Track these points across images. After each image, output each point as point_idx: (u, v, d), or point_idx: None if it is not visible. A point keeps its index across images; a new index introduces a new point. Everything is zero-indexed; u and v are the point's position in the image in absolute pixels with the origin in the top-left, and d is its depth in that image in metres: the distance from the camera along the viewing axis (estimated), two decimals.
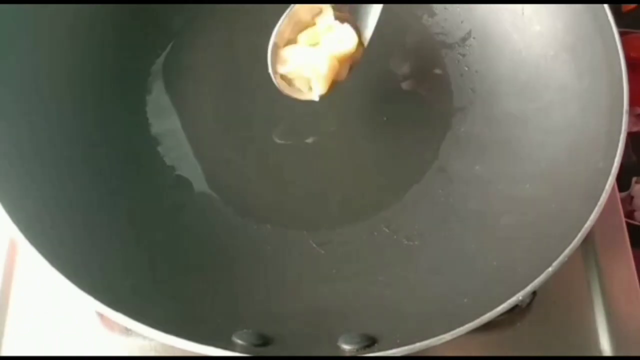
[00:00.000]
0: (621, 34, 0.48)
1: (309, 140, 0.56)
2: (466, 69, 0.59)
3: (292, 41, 0.49)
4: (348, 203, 0.53)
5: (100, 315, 0.49)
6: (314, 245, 0.50)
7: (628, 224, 0.55)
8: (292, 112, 0.56)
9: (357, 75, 0.57)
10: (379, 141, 0.56)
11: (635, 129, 0.82)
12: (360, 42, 0.49)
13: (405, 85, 0.59)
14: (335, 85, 0.50)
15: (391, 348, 0.35)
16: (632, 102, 0.46)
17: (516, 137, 0.53)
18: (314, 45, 0.49)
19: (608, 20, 0.48)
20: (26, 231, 0.37)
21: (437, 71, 0.59)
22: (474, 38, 0.59)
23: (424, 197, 0.53)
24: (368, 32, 0.50)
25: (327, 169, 0.55)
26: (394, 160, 0.55)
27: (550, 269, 0.38)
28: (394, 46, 0.60)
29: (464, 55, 0.59)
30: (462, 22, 0.60)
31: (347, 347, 0.37)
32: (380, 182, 0.54)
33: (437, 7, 0.61)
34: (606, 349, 0.50)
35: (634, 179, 0.80)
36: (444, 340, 0.35)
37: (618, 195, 0.57)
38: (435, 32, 0.61)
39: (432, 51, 0.60)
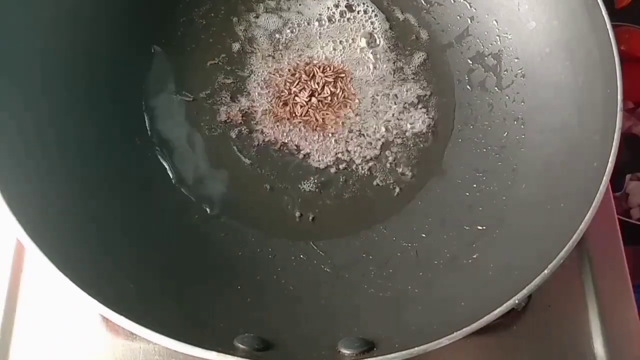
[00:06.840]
0: (613, 27, 0.48)
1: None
2: (465, 67, 0.59)
3: None
4: (350, 207, 0.53)
5: (105, 320, 0.49)
6: (316, 248, 0.51)
7: (624, 223, 0.55)
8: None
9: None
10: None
11: (626, 124, 0.81)
12: None
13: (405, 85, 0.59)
14: None
15: (390, 352, 0.36)
16: (624, 96, 0.46)
17: (513, 137, 0.54)
18: None
19: (602, 16, 0.48)
20: (33, 234, 0.38)
21: (438, 70, 0.59)
22: (471, 36, 0.59)
23: (423, 200, 0.54)
24: None
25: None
26: (394, 161, 0.56)
27: (546, 271, 0.39)
28: (395, 47, 0.60)
29: (462, 54, 0.59)
30: (459, 17, 0.60)
31: (346, 352, 0.38)
32: (381, 184, 0.55)
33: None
34: (599, 351, 0.50)
35: (628, 176, 0.78)
36: (442, 345, 0.36)
37: (612, 195, 0.57)
38: (434, 30, 0.61)
39: (431, 47, 0.60)
